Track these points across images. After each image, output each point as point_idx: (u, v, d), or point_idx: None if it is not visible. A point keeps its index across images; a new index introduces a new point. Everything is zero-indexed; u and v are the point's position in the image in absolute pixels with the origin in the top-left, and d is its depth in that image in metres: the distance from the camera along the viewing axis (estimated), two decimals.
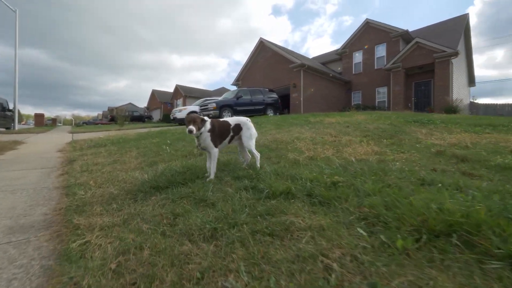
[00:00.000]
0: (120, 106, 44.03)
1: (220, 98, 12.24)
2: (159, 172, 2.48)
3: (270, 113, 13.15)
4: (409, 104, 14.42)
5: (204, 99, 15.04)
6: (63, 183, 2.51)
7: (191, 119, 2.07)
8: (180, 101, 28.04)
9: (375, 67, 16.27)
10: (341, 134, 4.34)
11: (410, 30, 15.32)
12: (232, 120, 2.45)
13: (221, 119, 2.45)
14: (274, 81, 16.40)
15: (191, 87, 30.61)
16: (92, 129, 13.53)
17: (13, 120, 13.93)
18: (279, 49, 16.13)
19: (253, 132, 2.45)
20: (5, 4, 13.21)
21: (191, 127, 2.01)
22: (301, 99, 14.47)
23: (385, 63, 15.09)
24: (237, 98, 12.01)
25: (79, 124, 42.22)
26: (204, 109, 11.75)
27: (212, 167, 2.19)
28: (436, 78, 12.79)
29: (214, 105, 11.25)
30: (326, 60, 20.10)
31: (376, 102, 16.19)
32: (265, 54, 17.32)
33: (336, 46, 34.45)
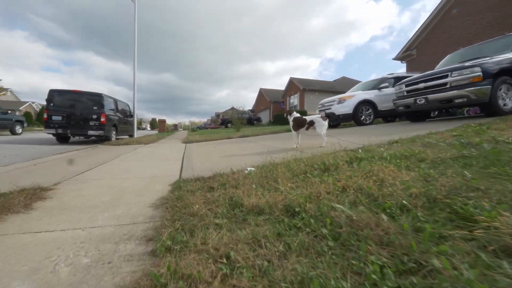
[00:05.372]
0: (226, 110, 44.42)
1: (480, 60, 4.99)
2: None
3: None
4: None
5: (380, 78, 8.38)
6: None
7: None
8: (295, 97, 22.84)
9: None
10: None
11: None
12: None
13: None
14: None
15: (309, 79, 24.96)
16: (208, 135, 9.64)
17: (133, 127, 12.10)
18: None
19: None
20: None
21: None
22: None
23: None
24: None
25: (194, 129, 45.54)
26: (443, 84, 5.00)
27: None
28: None
29: (478, 73, 4.38)
30: None
31: None
32: None
33: None
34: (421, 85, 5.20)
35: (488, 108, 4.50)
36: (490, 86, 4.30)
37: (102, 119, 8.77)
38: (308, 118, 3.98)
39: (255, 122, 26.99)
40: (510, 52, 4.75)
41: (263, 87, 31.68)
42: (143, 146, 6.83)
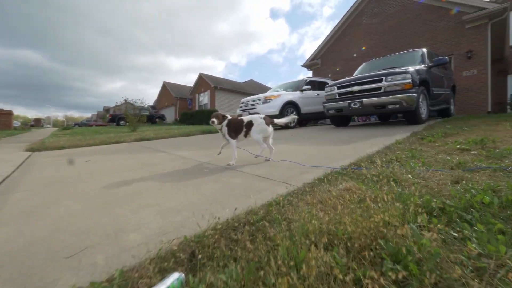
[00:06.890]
0: (119, 103, 36.90)
1: (410, 68, 5.04)
2: None
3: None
4: None
5: (300, 80, 8.08)
6: None
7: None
8: (205, 95, 20.98)
9: None
10: None
11: None
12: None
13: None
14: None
15: (220, 78, 23.64)
16: (85, 137, 6.47)
17: None
18: None
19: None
20: None
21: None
22: (488, 79, 7.65)
23: None
24: (429, 68, 5.18)
25: (70, 125, 34.73)
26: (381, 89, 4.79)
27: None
28: None
29: (409, 80, 4.38)
30: None
31: None
32: (382, 10, 10.45)
33: None
34: (356, 88, 4.91)
35: (413, 116, 4.63)
36: (416, 94, 4.37)
37: None
38: (245, 119, 2.58)
39: (157, 120, 23.10)
40: (415, 65, 5.16)
41: (168, 80, 27.90)
42: None
